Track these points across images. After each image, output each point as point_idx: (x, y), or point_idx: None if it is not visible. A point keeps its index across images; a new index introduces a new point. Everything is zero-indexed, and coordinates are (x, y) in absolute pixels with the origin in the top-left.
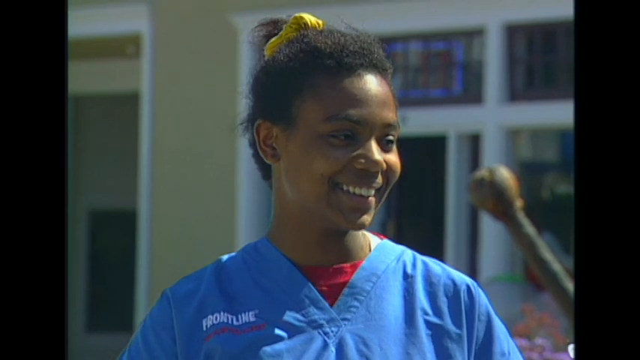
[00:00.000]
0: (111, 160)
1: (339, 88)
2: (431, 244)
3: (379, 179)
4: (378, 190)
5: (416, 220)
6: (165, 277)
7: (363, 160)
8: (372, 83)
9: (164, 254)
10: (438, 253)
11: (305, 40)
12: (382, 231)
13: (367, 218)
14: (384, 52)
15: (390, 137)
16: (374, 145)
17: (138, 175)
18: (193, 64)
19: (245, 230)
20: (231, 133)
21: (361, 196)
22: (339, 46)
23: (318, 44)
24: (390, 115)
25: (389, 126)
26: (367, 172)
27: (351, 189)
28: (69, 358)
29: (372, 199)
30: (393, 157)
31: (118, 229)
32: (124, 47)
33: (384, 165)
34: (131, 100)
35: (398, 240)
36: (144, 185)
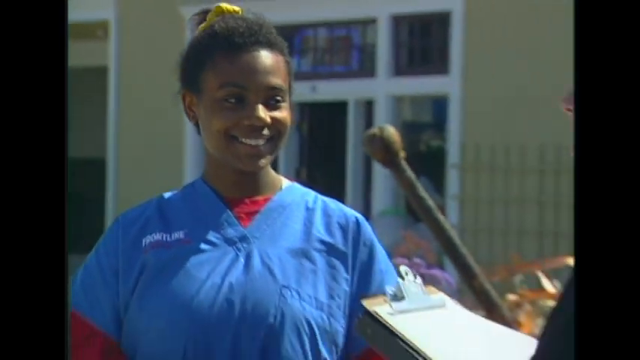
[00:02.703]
0: (86, 119)
1: (230, 62)
2: (335, 186)
3: (266, 132)
4: (270, 139)
5: (323, 167)
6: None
7: (248, 119)
8: (257, 57)
9: (127, 192)
10: (340, 193)
11: (211, 26)
12: (297, 176)
13: (263, 161)
14: (275, 33)
15: (278, 98)
16: (259, 106)
17: (107, 129)
18: (149, 45)
19: (190, 171)
20: (174, 103)
21: (251, 145)
22: (231, 29)
23: (216, 28)
24: (274, 80)
25: (274, 89)
26: (253, 126)
27: (244, 140)
28: None
29: (264, 147)
30: (279, 114)
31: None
32: (94, 31)
33: (268, 121)
34: (101, 73)
35: (309, 183)
36: (111, 137)
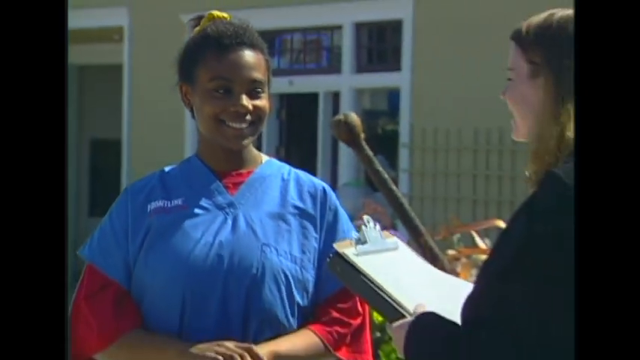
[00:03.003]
0: (105, 107)
1: (219, 59)
2: (308, 162)
3: (249, 117)
4: (252, 123)
5: (298, 146)
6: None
7: (233, 107)
8: (241, 55)
9: (138, 167)
10: (312, 167)
11: (204, 29)
12: (277, 153)
13: (246, 141)
14: (257, 35)
15: (258, 89)
16: (243, 96)
17: (122, 115)
18: (155, 46)
19: (189, 150)
20: (175, 93)
21: (236, 128)
22: (219, 32)
23: (208, 31)
24: (255, 74)
25: (255, 82)
26: (238, 112)
27: (230, 124)
28: (76, 238)
29: (247, 129)
30: (260, 102)
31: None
32: (112, 35)
33: (251, 108)
34: (117, 69)
35: (287, 159)
36: (125, 122)
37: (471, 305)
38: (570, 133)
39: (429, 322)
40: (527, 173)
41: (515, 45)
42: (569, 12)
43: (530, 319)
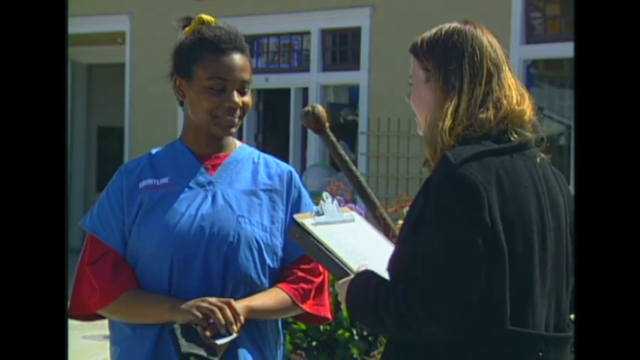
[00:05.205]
0: (110, 100)
1: (216, 61)
2: (281, 147)
3: (238, 112)
4: (239, 117)
5: (274, 134)
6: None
7: (228, 103)
8: (235, 58)
9: (137, 150)
10: (285, 152)
11: (199, 32)
12: (255, 140)
13: (233, 130)
14: (244, 40)
15: (246, 88)
16: (235, 94)
17: (125, 106)
18: (152, 48)
19: None
20: (168, 87)
21: (228, 120)
22: (217, 37)
23: (205, 35)
24: (245, 75)
25: (244, 81)
26: (231, 108)
27: (223, 117)
28: (86, 208)
29: (236, 121)
30: (246, 99)
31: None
32: (116, 39)
33: (241, 104)
34: (120, 68)
35: (263, 145)
36: (127, 112)
37: (390, 264)
38: (457, 123)
39: (365, 278)
40: (424, 158)
41: (413, 57)
42: (454, 25)
43: (426, 274)
